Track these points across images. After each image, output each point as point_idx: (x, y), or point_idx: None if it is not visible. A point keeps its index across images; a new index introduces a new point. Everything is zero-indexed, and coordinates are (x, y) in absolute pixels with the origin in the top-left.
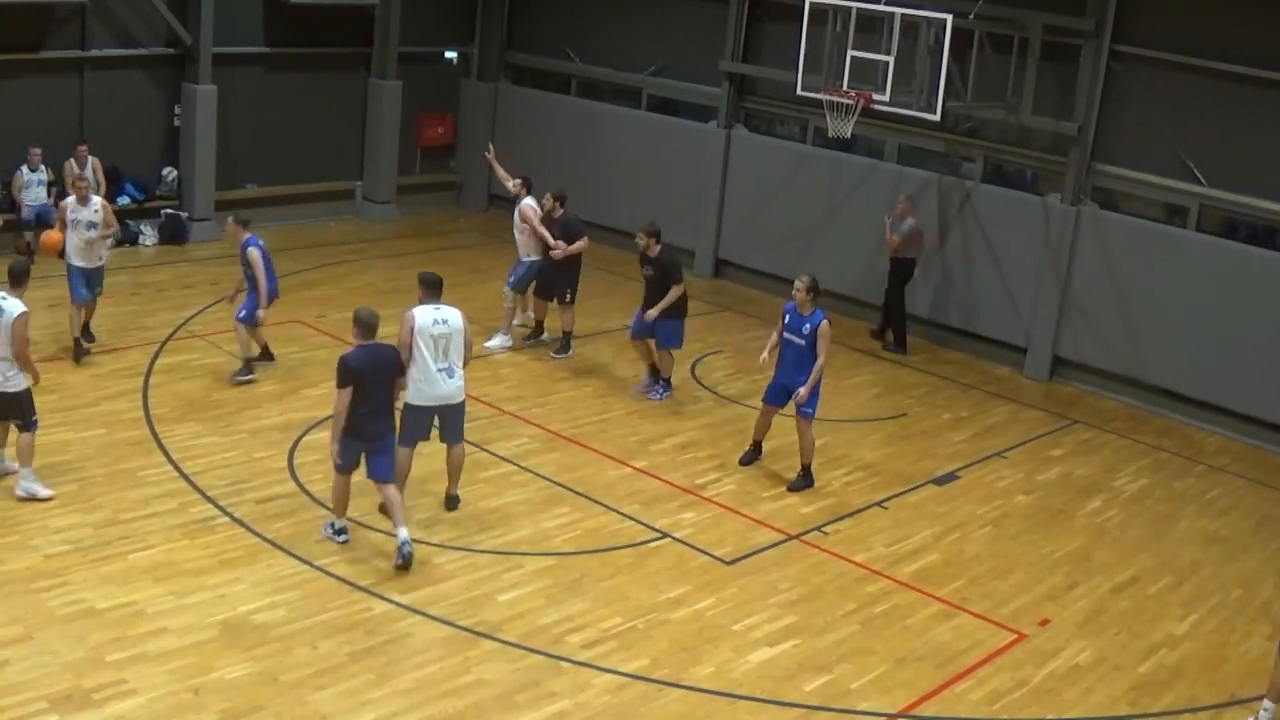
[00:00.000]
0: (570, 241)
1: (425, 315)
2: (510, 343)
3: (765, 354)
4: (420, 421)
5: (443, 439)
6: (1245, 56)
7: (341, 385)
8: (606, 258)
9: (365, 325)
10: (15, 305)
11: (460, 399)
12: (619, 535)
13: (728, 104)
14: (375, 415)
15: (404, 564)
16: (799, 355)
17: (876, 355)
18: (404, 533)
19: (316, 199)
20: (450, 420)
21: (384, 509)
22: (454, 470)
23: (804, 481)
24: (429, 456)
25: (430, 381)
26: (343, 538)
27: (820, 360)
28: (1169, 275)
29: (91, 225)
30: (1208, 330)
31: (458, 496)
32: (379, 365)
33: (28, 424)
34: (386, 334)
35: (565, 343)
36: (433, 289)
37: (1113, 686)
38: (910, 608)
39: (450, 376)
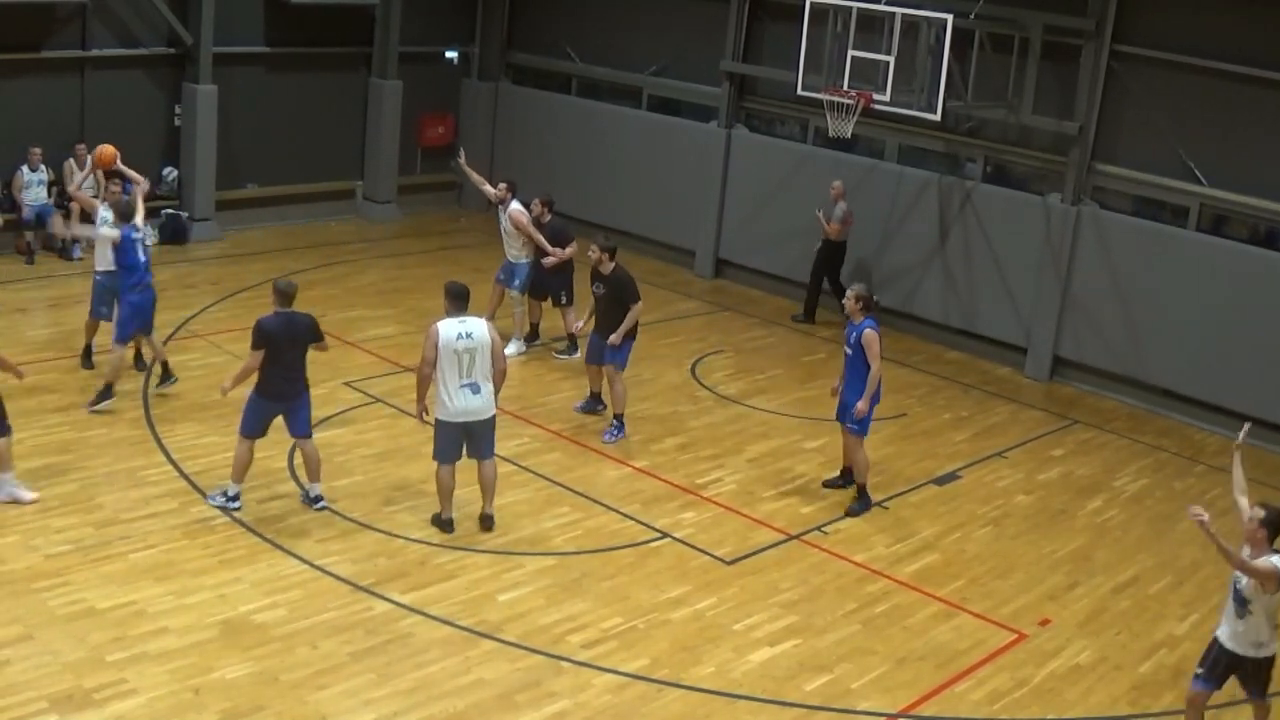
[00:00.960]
0: (560, 247)
1: (449, 329)
2: (525, 348)
3: (837, 382)
4: (450, 437)
5: (469, 454)
6: (1246, 56)
7: (255, 348)
8: None
9: (281, 293)
10: None
11: (489, 414)
12: (619, 535)
13: (728, 104)
14: (288, 378)
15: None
16: (850, 367)
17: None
18: (318, 488)
19: (317, 199)
20: (479, 435)
21: (305, 464)
22: (486, 487)
23: (861, 505)
24: (425, 458)
25: (454, 397)
26: (235, 504)
27: (872, 369)
28: (1169, 275)
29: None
30: (1208, 330)
31: (492, 516)
32: (292, 332)
33: (2, 429)
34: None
35: (572, 344)
36: (458, 300)
37: (1113, 686)
38: (911, 607)
39: (475, 392)
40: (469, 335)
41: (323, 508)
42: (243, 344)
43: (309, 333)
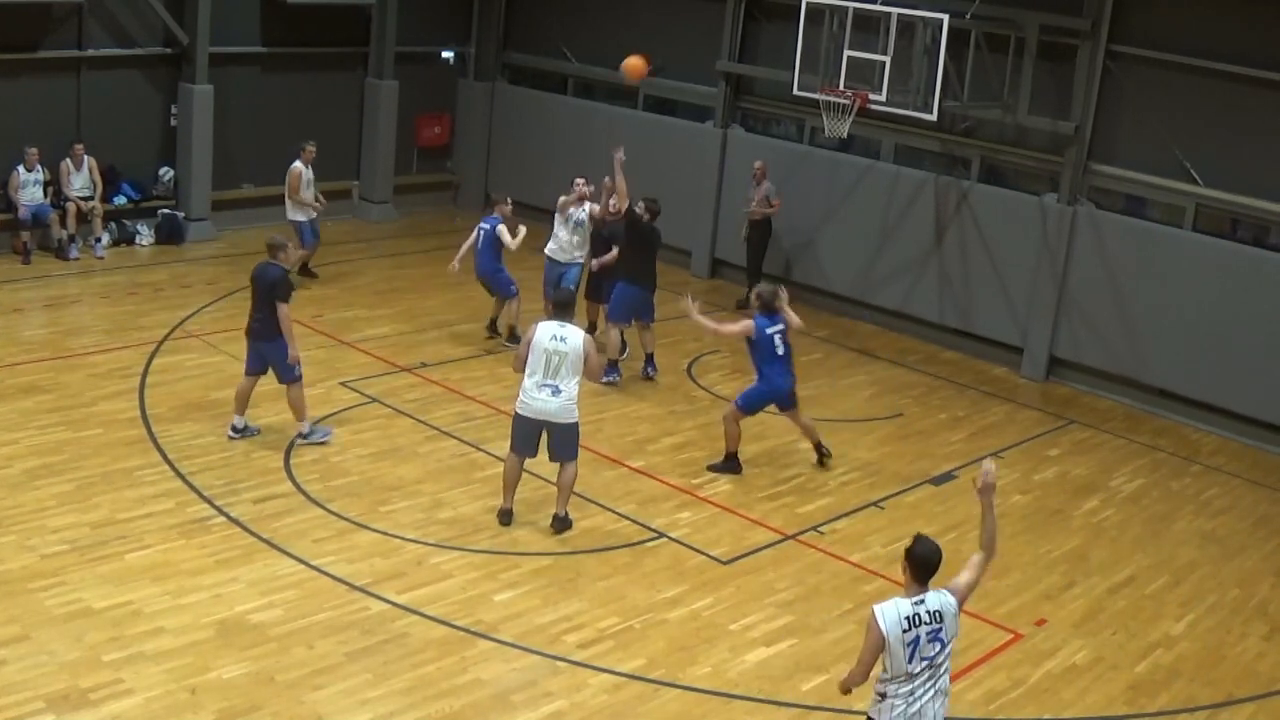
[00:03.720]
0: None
1: (546, 330)
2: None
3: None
4: (521, 430)
5: (550, 457)
6: (1241, 56)
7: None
8: None
9: (267, 245)
10: None
11: (566, 420)
12: (615, 535)
13: (724, 104)
14: (255, 317)
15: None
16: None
17: (874, 356)
18: (304, 426)
19: None
20: (557, 438)
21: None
22: (559, 489)
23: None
24: (421, 458)
25: (530, 394)
26: (236, 435)
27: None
28: (1165, 275)
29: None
30: (1204, 330)
31: (561, 517)
32: (259, 280)
33: None
34: None
35: (650, 362)
36: (561, 309)
37: (1109, 686)
38: None
39: (555, 395)
40: (563, 339)
41: (303, 443)
42: (238, 343)
43: (270, 285)
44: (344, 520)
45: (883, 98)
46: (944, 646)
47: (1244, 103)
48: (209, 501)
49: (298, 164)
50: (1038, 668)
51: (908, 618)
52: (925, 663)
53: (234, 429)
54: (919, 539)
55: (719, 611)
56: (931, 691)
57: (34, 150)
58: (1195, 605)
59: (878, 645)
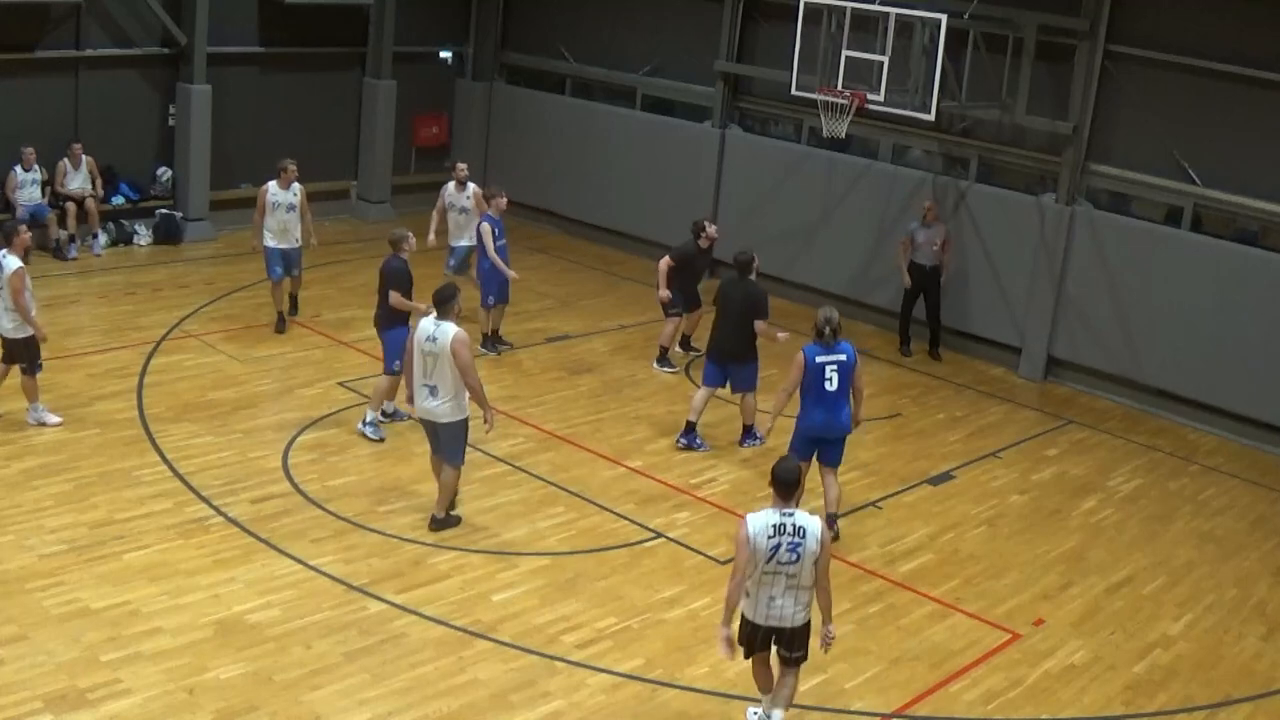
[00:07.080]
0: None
1: (423, 330)
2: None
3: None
4: (425, 430)
5: (434, 453)
6: (1240, 56)
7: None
8: (603, 257)
9: (389, 239)
10: (12, 261)
11: (445, 419)
12: (613, 535)
13: (722, 104)
14: (377, 310)
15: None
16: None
17: (872, 356)
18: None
19: (311, 199)
20: (439, 437)
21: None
22: (441, 489)
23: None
24: (418, 458)
25: (416, 394)
26: (398, 417)
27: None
28: (1163, 275)
29: (291, 208)
30: (1202, 330)
31: (438, 518)
32: (381, 271)
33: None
34: None
35: (663, 356)
36: (438, 305)
37: (1107, 686)
38: (905, 607)
39: (433, 395)
40: (434, 340)
41: (361, 429)
42: (236, 343)
43: (384, 277)
44: (342, 520)
45: (881, 98)
46: (799, 560)
47: (1242, 103)
48: (207, 501)
49: (270, 183)
50: (1035, 668)
51: (774, 525)
52: (782, 567)
53: (383, 413)
54: (781, 461)
55: (717, 611)
56: (787, 589)
57: (30, 150)
58: (1193, 605)
59: (744, 546)
